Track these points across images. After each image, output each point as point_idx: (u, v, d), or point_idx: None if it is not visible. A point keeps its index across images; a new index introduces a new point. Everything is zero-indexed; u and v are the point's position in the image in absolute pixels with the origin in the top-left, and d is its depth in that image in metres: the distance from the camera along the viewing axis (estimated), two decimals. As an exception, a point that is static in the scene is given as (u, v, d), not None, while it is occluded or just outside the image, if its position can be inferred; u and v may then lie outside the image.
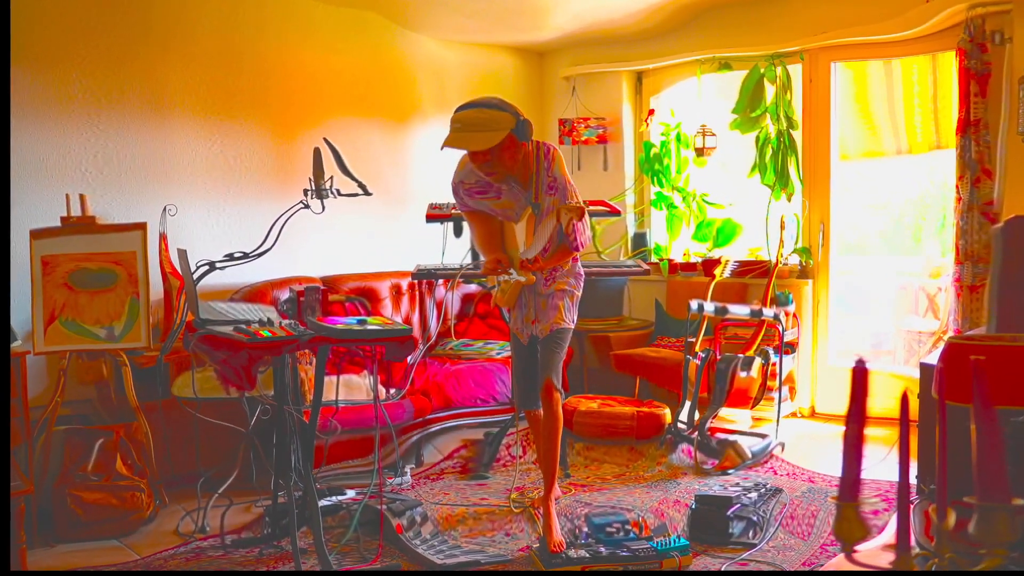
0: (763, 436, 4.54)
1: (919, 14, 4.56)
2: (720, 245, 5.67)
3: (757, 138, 5.34)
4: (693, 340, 4.70)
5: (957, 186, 4.41)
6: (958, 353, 1.99)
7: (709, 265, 5.46)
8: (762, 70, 5.29)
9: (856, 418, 1.32)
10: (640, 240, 5.97)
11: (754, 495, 3.50)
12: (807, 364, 5.24)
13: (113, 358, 3.78)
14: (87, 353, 3.79)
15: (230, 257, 3.39)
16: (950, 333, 4.44)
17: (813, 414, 5.25)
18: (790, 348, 4.93)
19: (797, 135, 5.27)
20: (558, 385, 3.44)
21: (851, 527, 1.36)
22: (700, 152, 5.62)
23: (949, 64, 4.63)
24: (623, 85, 6.09)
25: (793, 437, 4.66)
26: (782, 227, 4.94)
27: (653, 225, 6.08)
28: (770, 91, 5.29)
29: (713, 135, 5.54)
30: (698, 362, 4.57)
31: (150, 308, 3.81)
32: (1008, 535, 1.41)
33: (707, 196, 5.71)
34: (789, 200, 5.28)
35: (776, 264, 4.85)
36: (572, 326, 3.49)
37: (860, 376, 1.34)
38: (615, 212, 4.75)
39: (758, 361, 4.50)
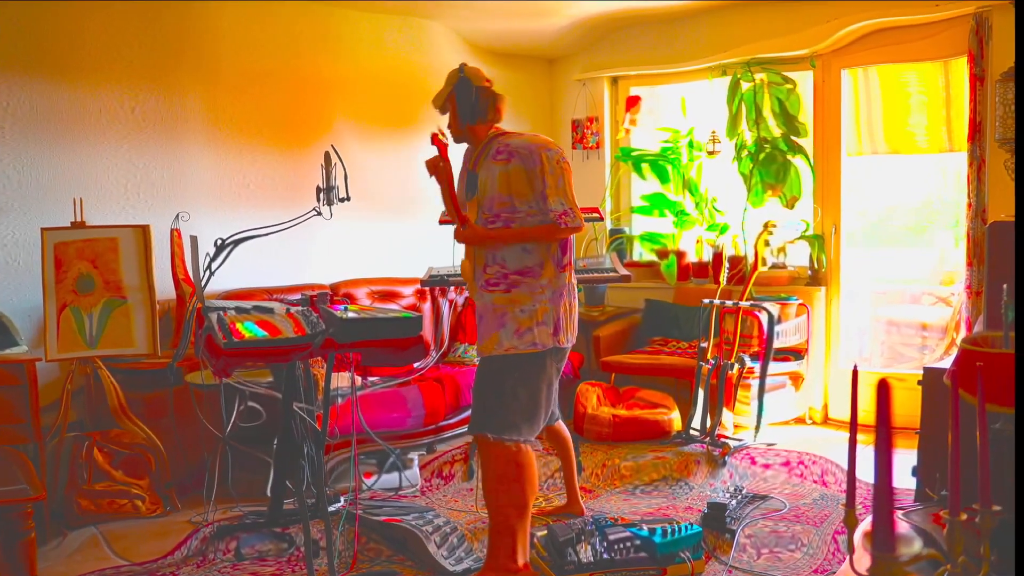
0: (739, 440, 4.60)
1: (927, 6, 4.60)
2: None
3: (736, 144, 5.43)
4: (705, 345, 4.69)
5: (968, 191, 4.47)
6: (966, 358, 1.99)
7: (716, 267, 5.46)
8: (738, 75, 5.34)
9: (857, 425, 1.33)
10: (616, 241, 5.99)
11: (733, 502, 3.56)
12: (819, 369, 5.22)
13: (90, 363, 3.80)
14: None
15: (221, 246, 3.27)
16: (962, 334, 4.44)
17: (826, 420, 5.23)
18: (792, 355, 4.95)
19: (804, 142, 5.28)
20: (489, 432, 2.87)
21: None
22: (711, 156, 5.61)
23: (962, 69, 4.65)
24: (608, 89, 6.15)
25: (802, 443, 4.65)
26: (766, 229, 4.83)
27: (634, 226, 6.15)
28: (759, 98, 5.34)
29: (719, 141, 5.54)
30: (709, 367, 4.58)
31: (155, 312, 3.84)
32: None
33: (716, 201, 5.71)
34: (791, 207, 5.30)
35: (755, 266, 4.80)
36: (515, 351, 2.86)
37: (856, 384, 1.35)
38: (600, 217, 4.91)
39: (735, 366, 4.57)
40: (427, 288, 4.99)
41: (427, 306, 5.27)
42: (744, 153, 5.38)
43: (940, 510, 2.14)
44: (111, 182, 4.29)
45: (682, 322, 5.44)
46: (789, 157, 5.27)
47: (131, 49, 4.33)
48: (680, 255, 5.75)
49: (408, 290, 5.20)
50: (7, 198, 3.97)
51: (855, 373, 1.53)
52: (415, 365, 4.59)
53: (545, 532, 3.17)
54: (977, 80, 4.38)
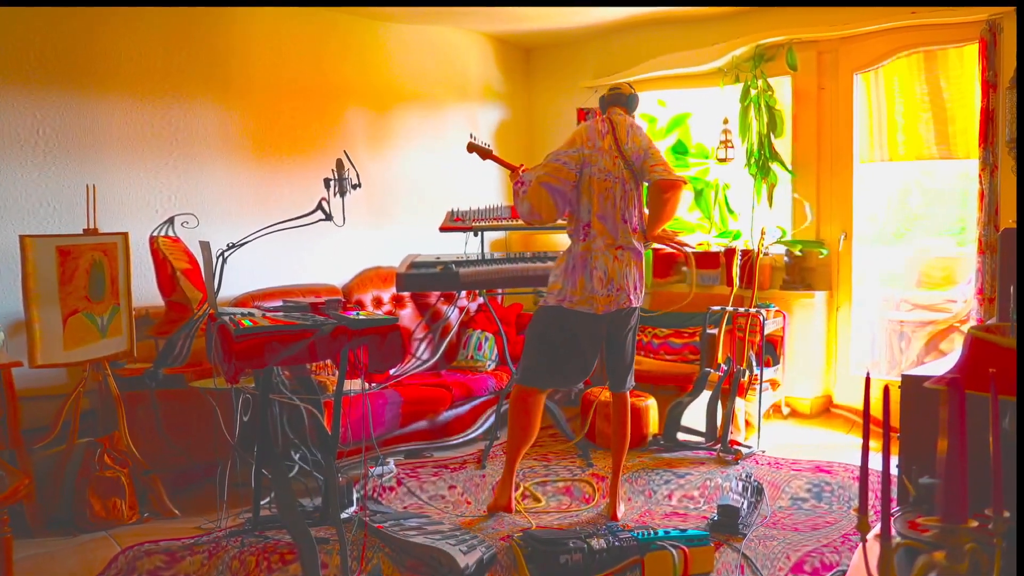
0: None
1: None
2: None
3: (747, 148, 5.48)
4: (714, 343, 4.68)
5: (980, 196, 4.45)
6: (974, 347, 1.96)
7: (729, 269, 5.45)
8: (748, 82, 5.40)
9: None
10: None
11: (744, 504, 3.56)
12: (821, 373, 5.23)
13: (102, 368, 3.80)
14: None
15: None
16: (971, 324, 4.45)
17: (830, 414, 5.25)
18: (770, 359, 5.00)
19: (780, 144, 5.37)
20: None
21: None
22: (722, 162, 5.60)
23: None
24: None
25: (806, 445, 4.66)
26: (763, 235, 4.93)
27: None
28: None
29: (732, 147, 5.53)
30: (720, 373, 4.58)
31: (131, 315, 3.85)
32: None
33: (729, 188, 5.70)
34: (771, 207, 5.38)
35: (755, 268, 4.85)
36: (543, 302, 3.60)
37: (868, 390, 1.34)
38: None
39: (747, 372, 4.62)
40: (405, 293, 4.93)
41: (406, 312, 5.15)
42: (752, 158, 5.42)
43: (918, 516, 2.12)
44: (119, 189, 4.30)
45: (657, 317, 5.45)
46: (769, 163, 5.35)
47: (140, 58, 4.34)
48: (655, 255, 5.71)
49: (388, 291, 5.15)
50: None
51: (867, 380, 1.52)
52: (392, 372, 4.56)
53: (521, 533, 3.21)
54: (990, 86, 4.37)
